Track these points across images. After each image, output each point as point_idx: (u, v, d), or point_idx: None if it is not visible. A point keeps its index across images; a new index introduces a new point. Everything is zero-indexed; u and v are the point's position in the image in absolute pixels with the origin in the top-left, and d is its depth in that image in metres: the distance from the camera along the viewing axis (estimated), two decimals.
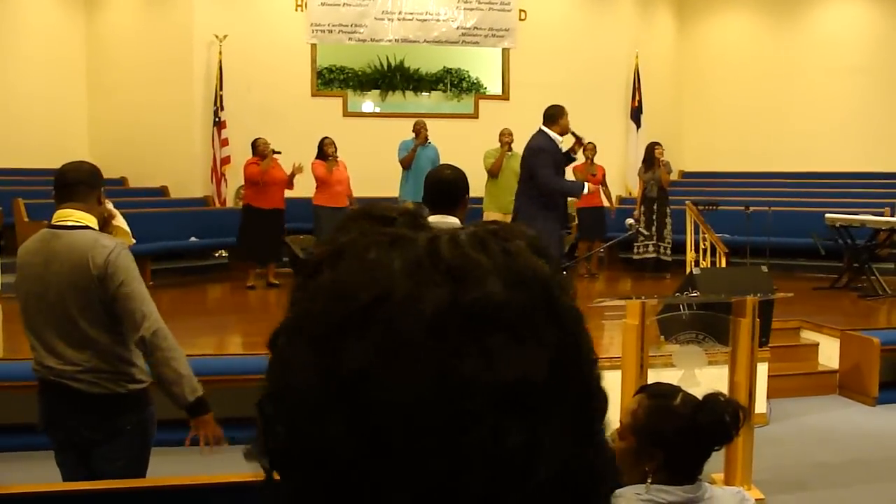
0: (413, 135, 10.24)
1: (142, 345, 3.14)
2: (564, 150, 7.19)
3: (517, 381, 0.56)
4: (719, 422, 2.19)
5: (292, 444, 0.60)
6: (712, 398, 2.24)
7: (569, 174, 10.36)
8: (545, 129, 7.08)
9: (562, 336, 0.59)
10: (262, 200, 9.43)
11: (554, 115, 7.08)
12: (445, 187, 4.03)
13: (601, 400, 0.63)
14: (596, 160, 10.70)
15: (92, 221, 3.25)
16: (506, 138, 9.82)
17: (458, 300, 0.57)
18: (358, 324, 0.57)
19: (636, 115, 12.54)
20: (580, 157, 10.46)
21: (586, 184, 7.54)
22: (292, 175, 9.52)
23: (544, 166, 6.91)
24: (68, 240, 3.18)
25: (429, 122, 10.62)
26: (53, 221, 3.26)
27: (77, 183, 3.27)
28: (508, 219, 7.70)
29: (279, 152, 9.43)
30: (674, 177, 11.91)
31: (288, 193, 9.69)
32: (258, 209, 9.43)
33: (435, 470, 0.56)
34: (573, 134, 7.19)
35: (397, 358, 0.56)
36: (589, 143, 10.49)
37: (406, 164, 10.11)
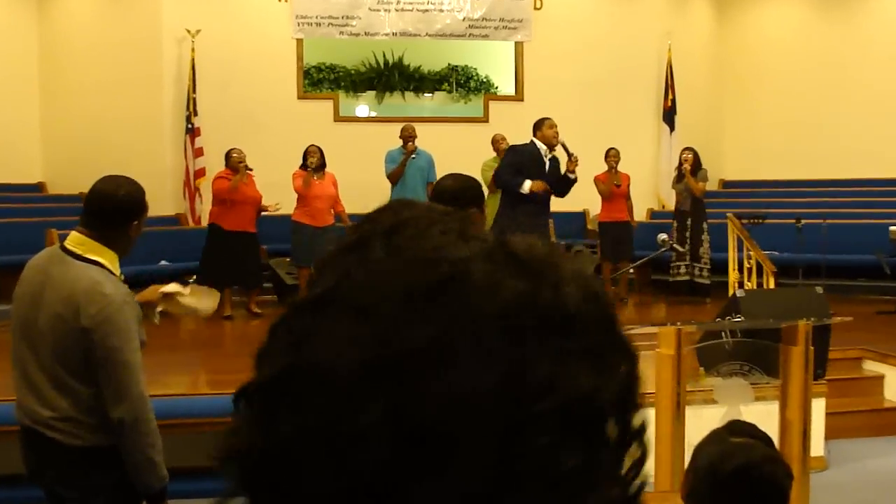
0: (401, 142, 9.95)
1: (118, 425, 3.06)
2: (548, 159, 8.07)
3: (587, 397, 0.58)
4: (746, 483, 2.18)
5: (299, 438, 0.57)
6: (753, 463, 2.19)
7: (590, 184, 10.36)
8: (534, 138, 8.13)
9: (627, 367, 0.61)
10: (229, 221, 9.31)
11: (538, 125, 8.15)
12: (448, 200, 4.01)
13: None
14: (621, 168, 10.63)
15: (107, 257, 3.18)
16: (501, 144, 9.74)
17: (536, 298, 0.58)
18: (429, 297, 0.57)
19: (669, 116, 12.57)
20: (602, 166, 10.47)
21: (527, 182, 7.77)
22: (264, 209, 9.48)
23: (506, 164, 8.00)
24: (69, 271, 3.12)
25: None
26: (66, 243, 3.21)
27: (100, 211, 3.22)
28: None
29: (251, 170, 9.37)
30: (712, 186, 11.91)
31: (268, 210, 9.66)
32: (224, 230, 9.33)
33: (480, 483, 0.56)
34: (563, 147, 8.02)
35: (467, 343, 0.56)
36: (609, 152, 10.51)
37: (395, 178, 9.80)
